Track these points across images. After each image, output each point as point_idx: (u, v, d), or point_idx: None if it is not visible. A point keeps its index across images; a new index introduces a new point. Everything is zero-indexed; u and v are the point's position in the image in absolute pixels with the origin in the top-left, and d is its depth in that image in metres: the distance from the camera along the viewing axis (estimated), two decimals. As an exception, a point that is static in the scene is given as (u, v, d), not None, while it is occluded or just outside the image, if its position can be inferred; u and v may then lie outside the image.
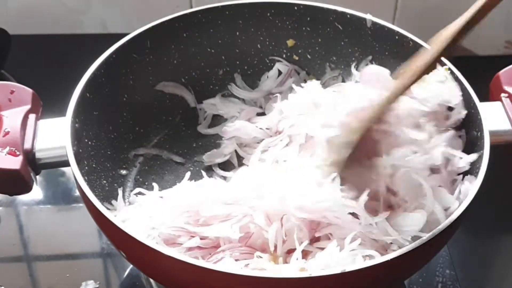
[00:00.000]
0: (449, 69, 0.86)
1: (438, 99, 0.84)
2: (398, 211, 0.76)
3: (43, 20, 1.23)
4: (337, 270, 0.63)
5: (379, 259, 0.65)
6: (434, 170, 0.80)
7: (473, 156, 0.79)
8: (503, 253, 0.98)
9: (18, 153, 0.76)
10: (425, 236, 0.67)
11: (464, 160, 0.80)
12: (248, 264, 0.70)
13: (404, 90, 0.75)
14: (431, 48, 0.73)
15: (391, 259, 0.65)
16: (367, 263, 0.64)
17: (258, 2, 0.97)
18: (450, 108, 0.85)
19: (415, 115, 0.83)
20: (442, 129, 0.83)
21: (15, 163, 0.75)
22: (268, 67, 1.02)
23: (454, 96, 0.84)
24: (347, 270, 0.63)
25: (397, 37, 0.92)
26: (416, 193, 0.76)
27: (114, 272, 0.91)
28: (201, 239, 0.73)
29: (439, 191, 0.77)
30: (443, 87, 0.85)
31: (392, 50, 0.93)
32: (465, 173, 0.80)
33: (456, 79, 0.85)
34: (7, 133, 0.77)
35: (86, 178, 0.75)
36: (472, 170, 0.79)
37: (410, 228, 0.73)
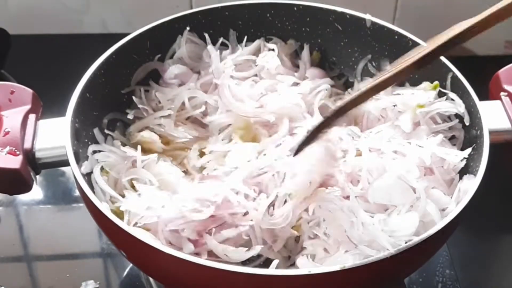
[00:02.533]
0: (453, 72, 0.86)
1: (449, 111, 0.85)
2: (392, 213, 0.76)
3: (43, 20, 1.23)
4: (337, 267, 0.64)
5: (377, 256, 0.65)
6: (427, 171, 0.80)
7: (467, 151, 0.79)
8: (503, 253, 0.98)
9: (18, 152, 0.76)
10: (423, 234, 0.67)
11: (458, 157, 0.80)
12: None
13: (387, 83, 0.73)
14: (426, 46, 0.71)
15: (390, 257, 0.65)
16: (366, 260, 0.65)
17: (258, 2, 0.97)
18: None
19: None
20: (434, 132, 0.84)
21: (15, 162, 0.75)
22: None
23: (459, 104, 0.84)
24: (346, 267, 0.63)
25: (396, 37, 0.92)
26: (395, 198, 0.76)
27: (114, 272, 0.92)
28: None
29: (433, 192, 0.77)
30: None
31: (391, 50, 0.93)
32: (464, 172, 0.80)
33: (456, 78, 0.85)
34: (7, 133, 0.78)
35: (86, 178, 0.76)
36: (472, 169, 0.79)
37: (402, 233, 0.73)
